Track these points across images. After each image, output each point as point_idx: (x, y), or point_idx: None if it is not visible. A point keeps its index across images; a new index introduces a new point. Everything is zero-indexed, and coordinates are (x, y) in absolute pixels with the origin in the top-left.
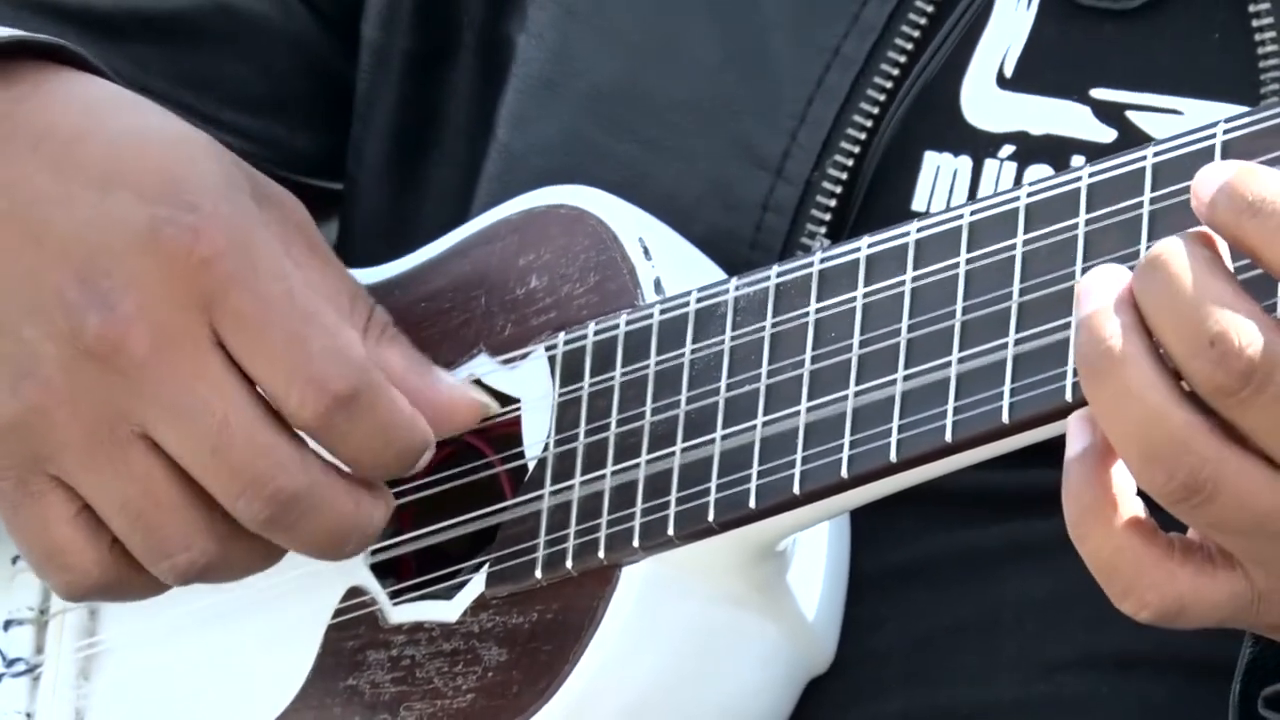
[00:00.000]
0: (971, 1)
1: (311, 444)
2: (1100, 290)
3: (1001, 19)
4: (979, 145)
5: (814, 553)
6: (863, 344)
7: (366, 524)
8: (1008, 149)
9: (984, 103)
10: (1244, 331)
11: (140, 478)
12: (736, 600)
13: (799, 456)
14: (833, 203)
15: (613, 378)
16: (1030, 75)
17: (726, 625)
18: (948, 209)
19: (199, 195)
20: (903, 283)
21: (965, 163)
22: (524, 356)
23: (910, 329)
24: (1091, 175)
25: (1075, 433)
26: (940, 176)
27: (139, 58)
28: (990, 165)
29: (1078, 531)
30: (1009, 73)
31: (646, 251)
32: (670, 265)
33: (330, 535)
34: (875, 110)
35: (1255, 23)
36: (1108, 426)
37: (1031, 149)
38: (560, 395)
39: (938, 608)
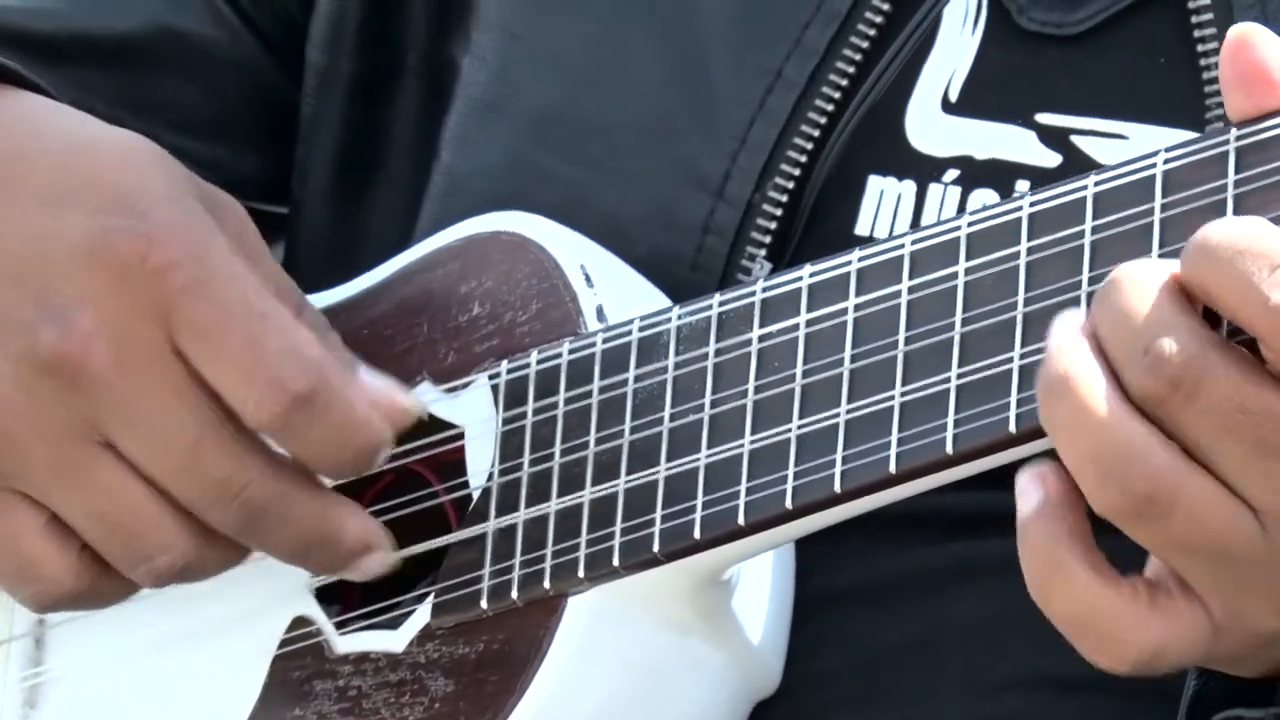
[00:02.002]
0: (915, 27)
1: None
2: (1066, 321)
3: (946, 43)
4: (923, 170)
5: (759, 577)
6: (806, 373)
7: (335, 533)
8: (952, 173)
9: (928, 127)
10: (1176, 338)
11: (111, 488)
12: (682, 628)
13: (743, 487)
14: (773, 225)
15: (556, 406)
16: (975, 100)
17: (672, 653)
18: (890, 237)
19: (148, 204)
20: (845, 311)
21: (909, 187)
22: (466, 385)
23: (853, 359)
24: (1032, 204)
25: (1025, 491)
26: (884, 201)
27: (82, 81)
28: (934, 190)
29: (1041, 594)
30: (954, 97)
31: (588, 279)
32: (612, 292)
33: (299, 541)
34: (816, 133)
35: (1200, 48)
36: (1063, 446)
37: (976, 174)
38: (504, 424)
39: (883, 628)
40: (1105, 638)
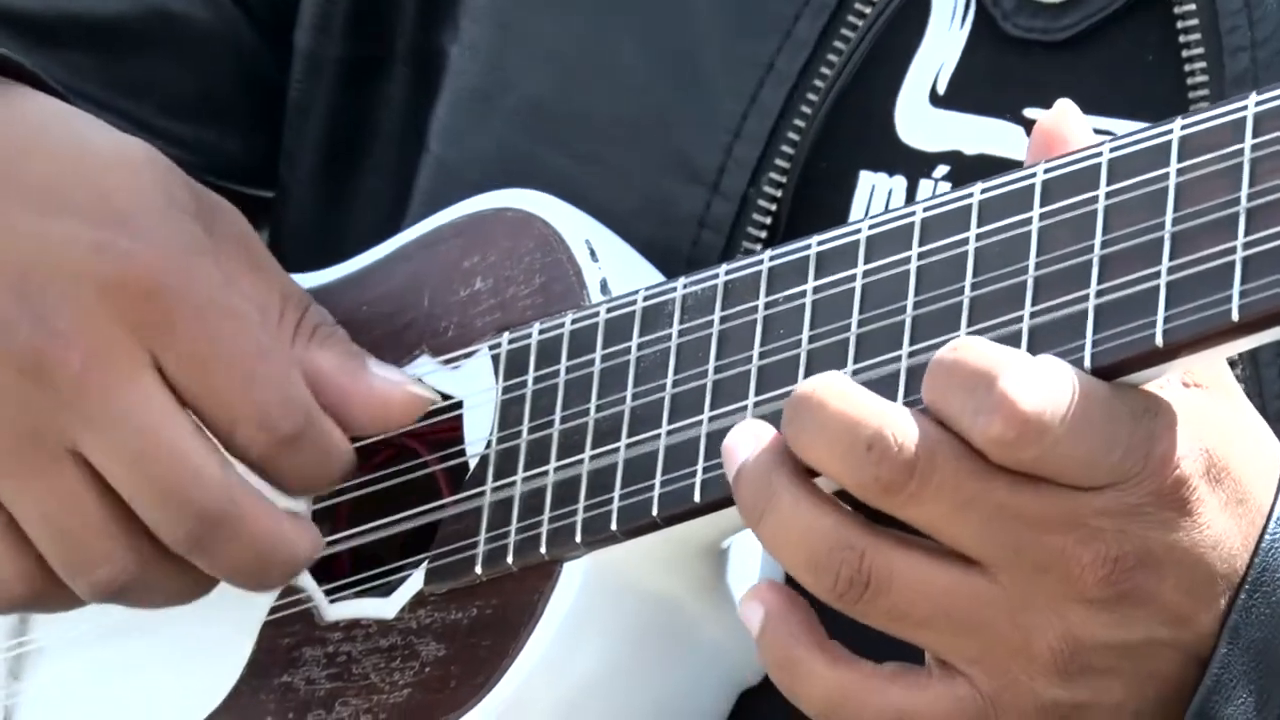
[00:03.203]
0: (885, 6)
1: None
2: (742, 445)
3: (935, 37)
4: (913, 165)
5: (751, 556)
6: (811, 339)
7: (289, 554)
8: (942, 169)
9: (917, 121)
10: (898, 427)
11: (65, 491)
12: (676, 599)
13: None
14: (768, 220)
15: (557, 374)
16: (963, 94)
17: (665, 623)
18: (900, 206)
19: (145, 222)
20: (853, 278)
21: (900, 182)
22: (467, 356)
23: (860, 324)
24: (1047, 171)
25: (749, 616)
26: (875, 196)
27: (74, 64)
28: (925, 185)
29: (790, 692)
30: (942, 90)
31: (593, 253)
32: (617, 267)
33: (253, 562)
34: (807, 126)
35: (1185, 53)
36: (778, 556)
37: (966, 168)
38: (504, 393)
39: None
40: (845, 711)
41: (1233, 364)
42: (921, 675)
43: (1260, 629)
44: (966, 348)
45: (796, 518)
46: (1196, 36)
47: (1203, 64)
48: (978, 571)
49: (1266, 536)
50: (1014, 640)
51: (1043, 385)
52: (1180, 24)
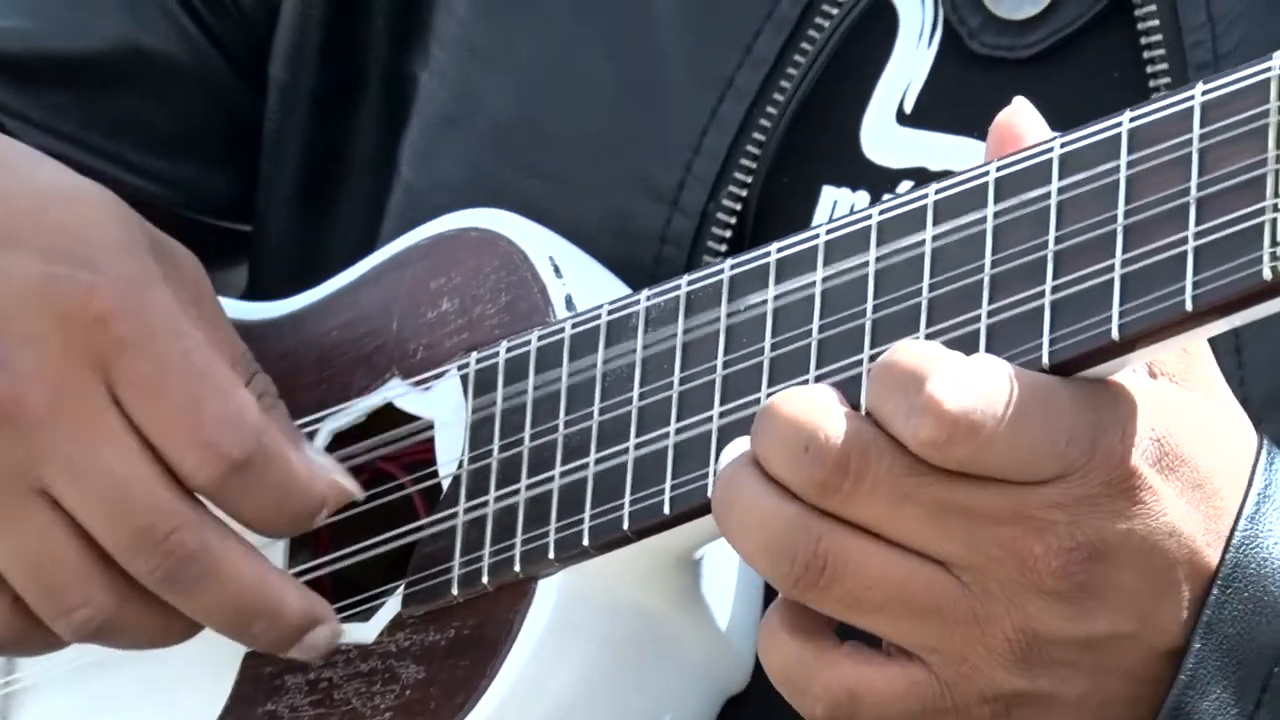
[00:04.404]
0: (845, 14)
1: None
2: (726, 455)
3: (902, 56)
4: (877, 180)
5: (726, 565)
6: (774, 347)
7: (277, 606)
8: (906, 184)
9: (883, 139)
10: (831, 427)
11: (39, 533)
12: (652, 611)
13: (713, 462)
14: (729, 234)
15: (525, 392)
16: (930, 112)
17: (643, 635)
18: (856, 210)
19: (96, 252)
20: (813, 284)
21: (863, 197)
22: (437, 378)
23: (821, 329)
24: (999, 170)
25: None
26: (838, 211)
27: (51, 103)
28: (889, 200)
29: (761, 656)
30: (909, 109)
31: (557, 270)
32: (581, 283)
33: (233, 607)
34: (769, 141)
35: (1150, 69)
36: (739, 546)
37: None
38: (473, 412)
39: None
40: (801, 682)
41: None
42: (878, 655)
43: (1233, 624)
44: (902, 349)
45: (757, 507)
46: (1161, 52)
47: (1167, 79)
48: (934, 563)
49: (1237, 533)
50: (971, 630)
51: (972, 385)
52: (1144, 39)
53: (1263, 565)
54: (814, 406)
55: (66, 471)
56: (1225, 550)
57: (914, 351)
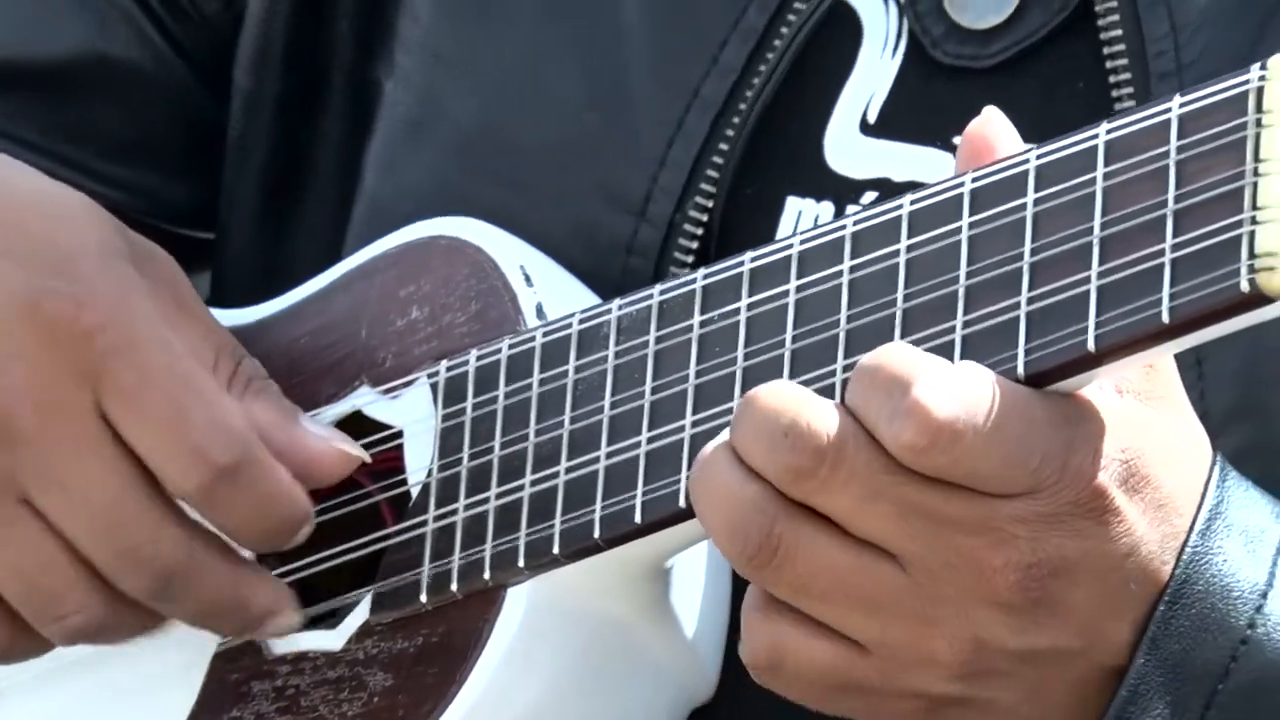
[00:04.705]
0: (805, 20)
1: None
2: (709, 446)
3: (866, 66)
4: (842, 191)
5: (695, 575)
6: (747, 356)
7: (248, 604)
8: (870, 195)
9: (847, 149)
10: (813, 415)
11: (29, 543)
12: (621, 619)
13: (684, 471)
14: (695, 245)
15: (496, 400)
16: (894, 122)
17: (612, 644)
18: (830, 220)
19: (79, 265)
20: (786, 294)
21: (828, 208)
22: (406, 386)
23: (795, 339)
24: (974, 180)
25: None
26: (802, 221)
27: (13, 110)
28: (853, 211)
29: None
30: (872, 119)
31: (528, 278)
32: (552, 292)
33: (212, 608)
34: (735, 151)
35: (1113, 78)
36: (704, 521)
37: (894, 195)
38: (443, 421)
39: None
40: (743, 623)
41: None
42: (814, 623)
43: (1179, 641)
44: (888, 353)
45: (722, 484)
46: (1124, 61)
47: (1130, 89)
48: (888, 559)
49: (1188, 549)
50: (914, 631)
51: (957, 393)
52: (1107, 49)
53: (1211, 582)
54: (795, 397)
55: (52, 488)
56: (1175, 566)
57: (900, 355)
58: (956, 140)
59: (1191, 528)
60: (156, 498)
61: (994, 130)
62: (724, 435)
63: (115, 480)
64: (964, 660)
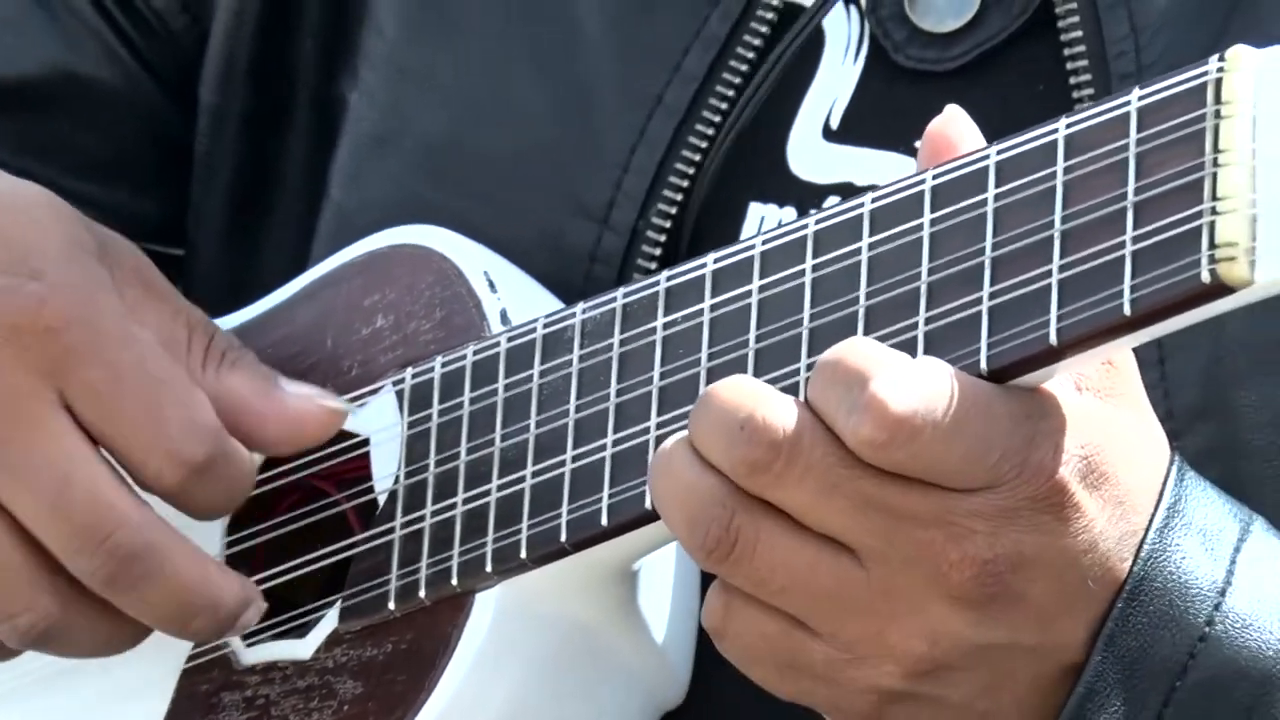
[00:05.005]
0: (786, 47)
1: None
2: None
3: (828, 72)
4: (804, 196)
5: (663, 579)
6: (710, 357)
7: (217, 598)
8: (833, 200)
9: (810, 154)
10: (769, 410)
11: None
12: (590, 623)
13: (649, 473)
14: (658, 252)
15: (461, 406)
16: (856, 127)
17: (581, 648)
18: (792, 221)
19: (44, 262)
20: (749, 294)
21: (790, 213)
22: (372, 394)
23: (758, 339)
24: (935, 177)
25: None
26: (764, 227)
27: None
28: (824, 210)
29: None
30: (835, 125)
31: (492, 285)
32: (516, 297)
33: (177, 604)
34: (698, 159)
35: (1073, 80)
36: (664, 515)
37: None
38: (409, 428)
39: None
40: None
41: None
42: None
43: (1135, 638)
44: (848, 347)
45: (682, 476)
46: (1084, 63)
47: (1090, 90)
48: (846, 553)
49: (1146, 546)
50: (871, 625)
51: (915, 388)
52: (1067, 51)
53: (1169, 580)
54: (752, 391)
55: (12, 476)
56: (1133, 563)
57: (860, 350)
58: (918, 144)
59: (1150, 525)
60: (117, 482)
61: (956, 129)
62: (679, 435)
63: (74, 464)
64: (920, 654)
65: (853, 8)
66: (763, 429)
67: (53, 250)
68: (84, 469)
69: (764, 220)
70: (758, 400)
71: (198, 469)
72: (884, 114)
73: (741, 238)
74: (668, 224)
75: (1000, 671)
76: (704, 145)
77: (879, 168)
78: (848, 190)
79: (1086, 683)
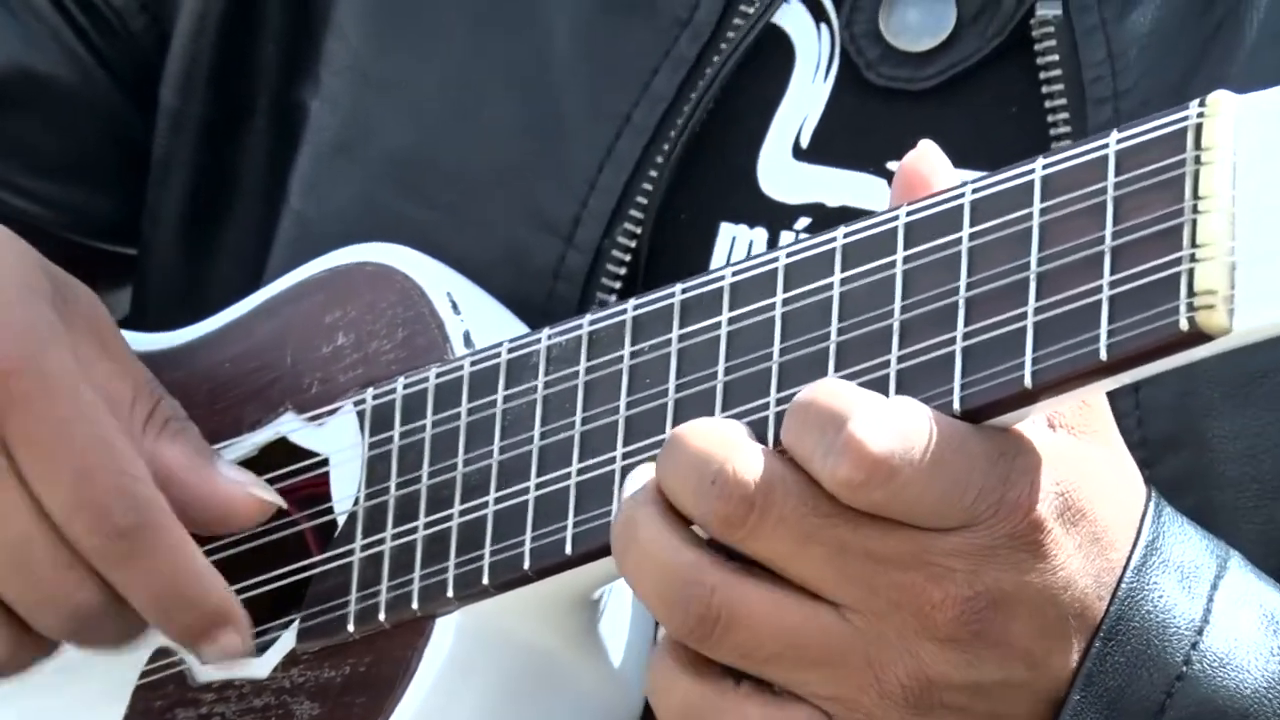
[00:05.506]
0: (736, 45)
1: None
2: (630, 484)
3: (798, 90)
4: (775, 216)
5: (622, 605)
6: (678, 388)
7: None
8: (804, 220)
9: (780, 174)
10: (739, 462)
11: None
12: (550, 650)
13: (615, 502)
14: (623, 271)
15: (424, 429)
16: (827, 147)
17: (540, 675)
18: (764, 252)
19: None
20: (719, 325)
21: (761, 234)
22: (331, 413)
23: (727, 371)
24: (909, 214)
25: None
26: (736, 248)
27: None
28: (786, 236)
29: (654, 699)
30: (805, 144)
31: (455, 306)
32: (480, 319)
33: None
34: (665, 178)
35: (1049, 103)
36: (637, 591)
37: (828, 220)
38: (369, 449)
39: None
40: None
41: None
42: (774, 696)
43: (1114, 677)
44: (822, 388)
45: (655, 552)
46: (1060, 87)
47: (1065, 114)
48: (828, 608)
49: (1123, 585)
50: (865, 675)
51: (893, 428)
52: (1043, 74)
53: (1147, 618)
54: (723, 440)
55: None
56: (1110, 603)
57: (834, 390)
58: (890, 165)
59: (1127, 564)
60: (61, 544)
61: (929, 164)
62: (642, 479)
63: (28, 523)
64: (916, 698)
65: (823, 25)
66: (734, 483)
67: (7, 295)
68: (38, 528)
69: (735, 240)
70: (728, 450)
71: (122, 533)
72: (855, 133)
73: (712, 257)
74: (633, 243)
75: (998, 709)
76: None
77: (850, 188)
78: (818, 211)
79: None
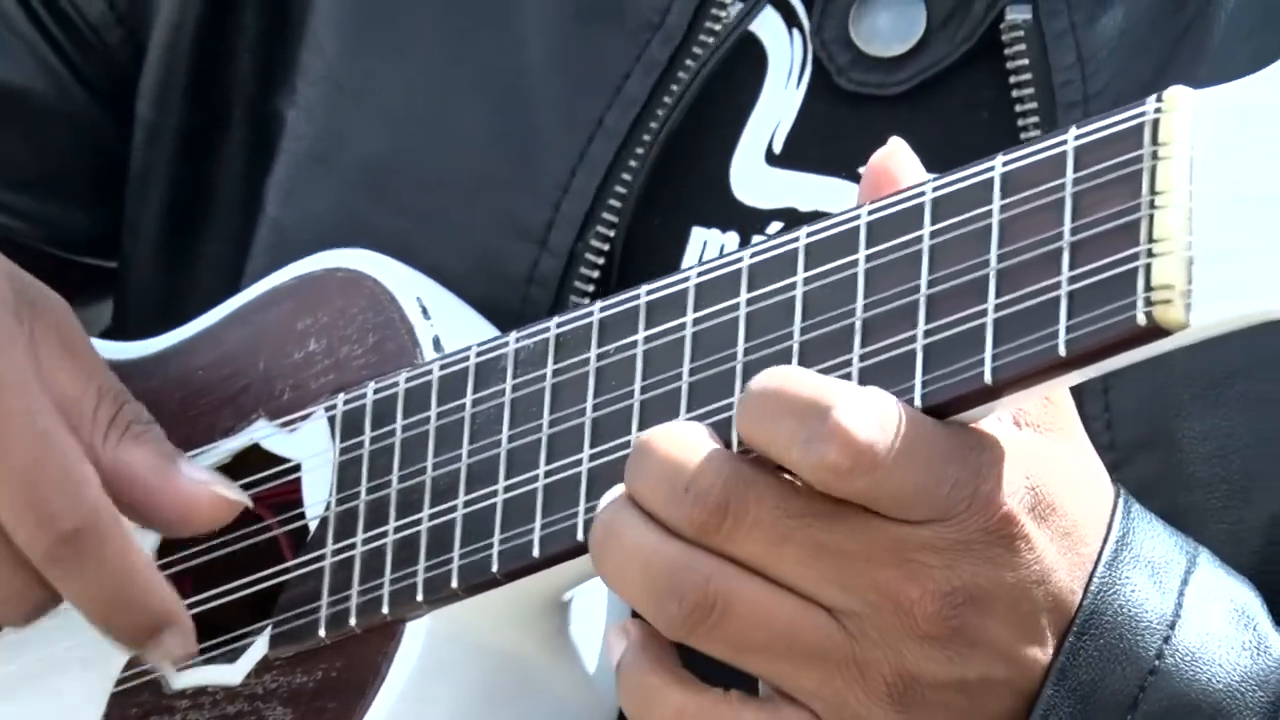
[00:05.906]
0: (711, 54)
1: None
2: (607, 494)
3: (771, 96)
4: (747, 221)
5: (595, 609)
6: (644, 389)
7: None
8: (776, 225)
9: (752, 179)
10: (713, 468)
11: None
12: (521, 653)
13: (582, 504)
14: (596, 274)
15: (394, 434)
16: (799, 152)
17: (512, 678)
18: (729, 253)
19: None
20: (683, 326)
21: (733, 238)
22: (304, 419)
23: (692, 372)
24: (871, 213)
25: (613, 644)
26: (707, 252)
27: None
28: (758, 241)
29: (638, 715)
30: (778, 150)
31: (425, 311)
32: (449, 324)
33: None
34: (637, 181)
35: (1019, 108)
36: (620, 589)
37: (799, 225)
38: (341, 455)
39: (726, 668)
40: None
41: (1079, 398)
42: (769, 701)
43: (1088, 671)
44: (790, 376)
45: (639, 547)
46: (1030, 91)
47: (1036, 118)
48: (820, 607)
49: (1095, 580)
50: (851, 673)
51: (874, 417)
52: (1014, 78)
53: (1119, 613)
54: (692, 445)
55: None
56: (1082, 598)
57: (810, 379)
58: (862, 170)
59: (1099, 559)
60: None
61: (897, 162)
62: (614, 493)
63: None
64: (901, 696)
65: (796, 31)
66: (707, 490)
67: None
68: None
69: (706, 245)
70: (698, 457)
71: (65, 538)
72: (827, 138)
73: (684, 262)
74: (606, 247)
75: (978, 705)
76: (643, 169)
77: (822, 193)
78: (790, 216)
79: (1039, 715)
